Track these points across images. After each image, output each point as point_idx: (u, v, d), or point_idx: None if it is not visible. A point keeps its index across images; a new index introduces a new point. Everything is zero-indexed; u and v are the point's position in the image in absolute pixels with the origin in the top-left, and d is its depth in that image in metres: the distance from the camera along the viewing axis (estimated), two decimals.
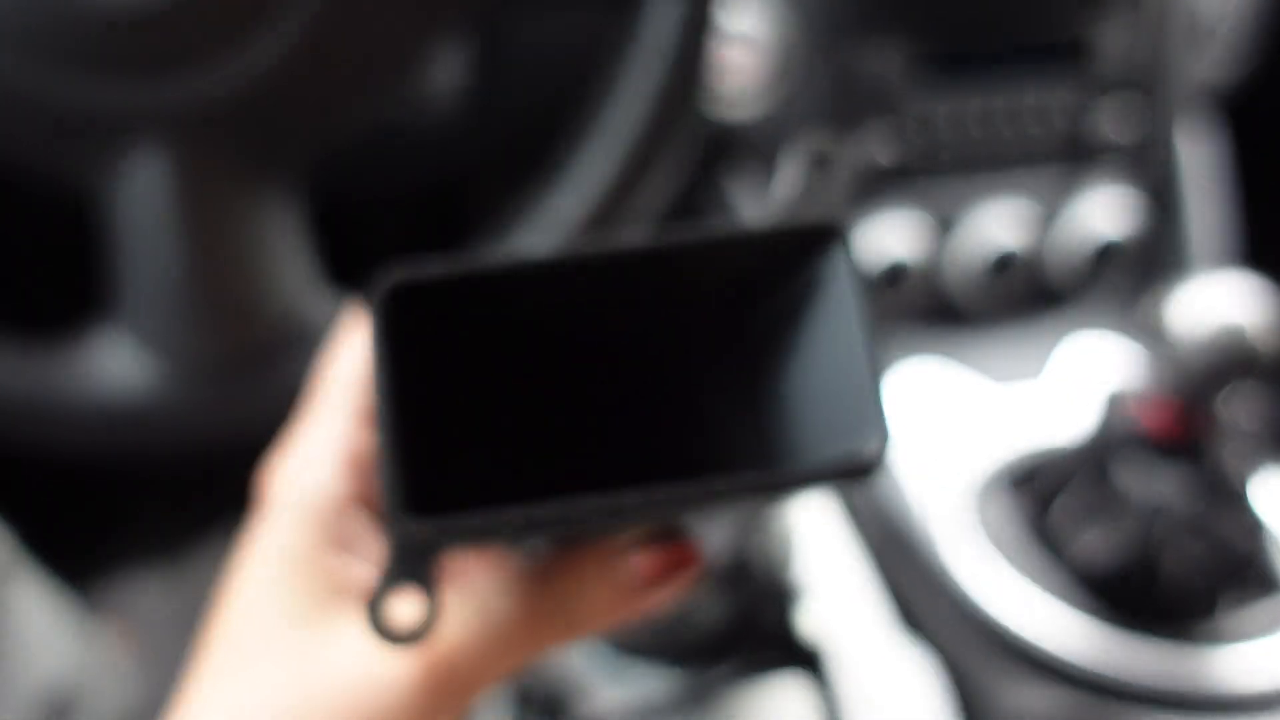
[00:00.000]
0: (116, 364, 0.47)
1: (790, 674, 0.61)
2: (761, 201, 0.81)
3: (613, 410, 0.29)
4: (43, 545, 0.63)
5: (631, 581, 0.26)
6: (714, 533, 0.55)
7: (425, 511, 0.22)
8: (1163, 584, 0.67)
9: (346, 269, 0.52)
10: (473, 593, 0.26)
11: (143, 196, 0.43)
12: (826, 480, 0.24)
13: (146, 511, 1.09)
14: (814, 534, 0.76)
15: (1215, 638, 0.68)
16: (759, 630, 0.61)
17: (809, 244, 0.24)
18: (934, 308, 0.96)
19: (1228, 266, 0.98)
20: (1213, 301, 0.64)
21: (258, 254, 0.47)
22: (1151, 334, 0.66)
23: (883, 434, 0.22)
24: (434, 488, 0.23)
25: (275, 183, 0.46)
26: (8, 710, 0.54)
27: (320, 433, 0.29)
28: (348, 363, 0.30)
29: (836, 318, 0.23)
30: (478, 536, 0.23)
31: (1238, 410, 0.71)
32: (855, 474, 0.22)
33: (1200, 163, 0.98)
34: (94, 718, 0.59)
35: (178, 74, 0.41)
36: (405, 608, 0.24)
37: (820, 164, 0.27)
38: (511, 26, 0.65)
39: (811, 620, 0.60)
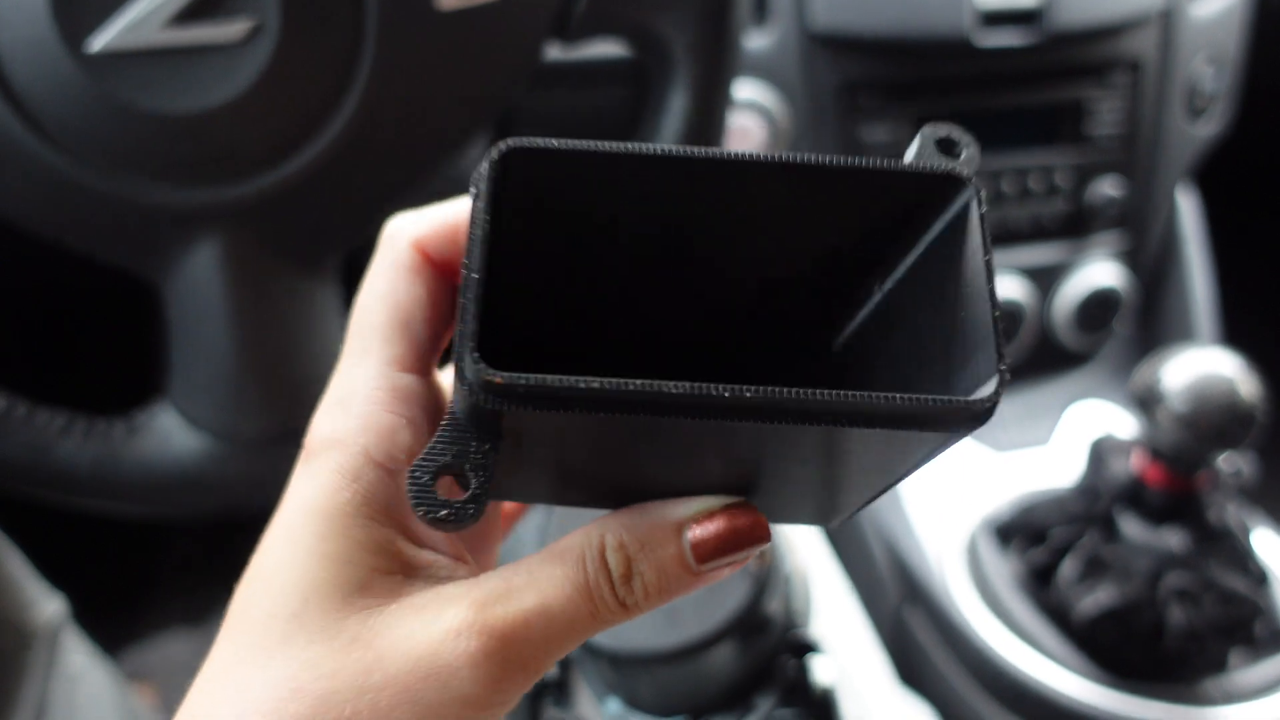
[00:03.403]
0: (172, 441, 0.50)
1: None
2: None
3: (692, 326, 0.26)
4: (83, 614, 0.65)
5: (688, 555, 0.24)
6: (733, 590, 0.56)
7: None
8: (1170, 639, 0.67)
9: None
10: (528, 570, 0.24)
11: (195, 286, 0.47)
12: (939, 423, 0.20)
13: (174, 580, 1.11)
14: (829, 589, 0.77)
15: (1226, 695, 0.69)
16: (775, 682, 0.62)
17: (931, 192, 0.22)
18: None
19: (1221, 328, 0.99)
20: (1207, 366, 0.65)
21: (299, 335, 0.49)
22: (1150, 398, 0.67)
23: (1000, 378, 0.20)
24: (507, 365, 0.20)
25: (313, 269, 0.49)
26: None
27: (357, 375, 0.26)
28: (376, 304, 0.27)
29: (960, 262, 0.21)
30: (543, 404, 0.20)
31: (1232, 469, 0.72)
32: (970, 419, 0.20)
33: (1195, 227, 1.00)
34: None
35: (231, 182, 0.45)
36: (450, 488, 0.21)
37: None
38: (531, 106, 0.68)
39: (826, 672, 0.61)
